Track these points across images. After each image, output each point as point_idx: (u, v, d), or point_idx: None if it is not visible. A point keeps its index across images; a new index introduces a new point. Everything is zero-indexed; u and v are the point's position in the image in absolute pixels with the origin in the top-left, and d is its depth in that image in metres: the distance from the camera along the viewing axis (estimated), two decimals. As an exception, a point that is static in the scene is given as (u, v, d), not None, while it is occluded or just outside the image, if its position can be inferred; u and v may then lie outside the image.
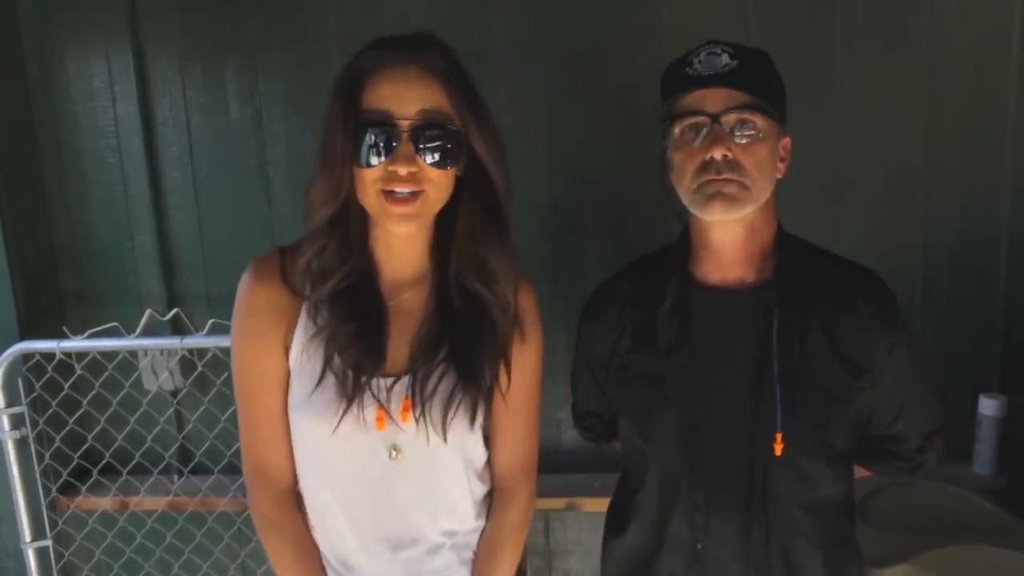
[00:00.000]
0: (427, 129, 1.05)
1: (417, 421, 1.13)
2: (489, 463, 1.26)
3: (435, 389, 1.13)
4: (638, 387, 1.27)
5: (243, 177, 2.09)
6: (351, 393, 1.10)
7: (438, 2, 1.97)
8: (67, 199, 2.14)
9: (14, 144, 2.07)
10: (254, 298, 1.16)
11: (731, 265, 1.23)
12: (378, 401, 1.12)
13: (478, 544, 1.26)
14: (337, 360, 1.11)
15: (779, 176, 1.21)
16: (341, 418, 1.10)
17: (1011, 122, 1.90)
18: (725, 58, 1.13)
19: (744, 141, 1.13)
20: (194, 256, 2.15)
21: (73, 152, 2.12)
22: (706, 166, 1.14)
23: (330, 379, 1.11)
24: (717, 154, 1.13)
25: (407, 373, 1.14)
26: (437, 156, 1.06)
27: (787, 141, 1.22)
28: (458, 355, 1.15)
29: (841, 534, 1.29)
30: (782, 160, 1.22)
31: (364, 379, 1.11)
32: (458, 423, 1.15)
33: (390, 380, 1.13)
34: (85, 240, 2.16)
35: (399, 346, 1.15)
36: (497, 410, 1.21)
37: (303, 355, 1.14)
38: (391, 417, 1.12)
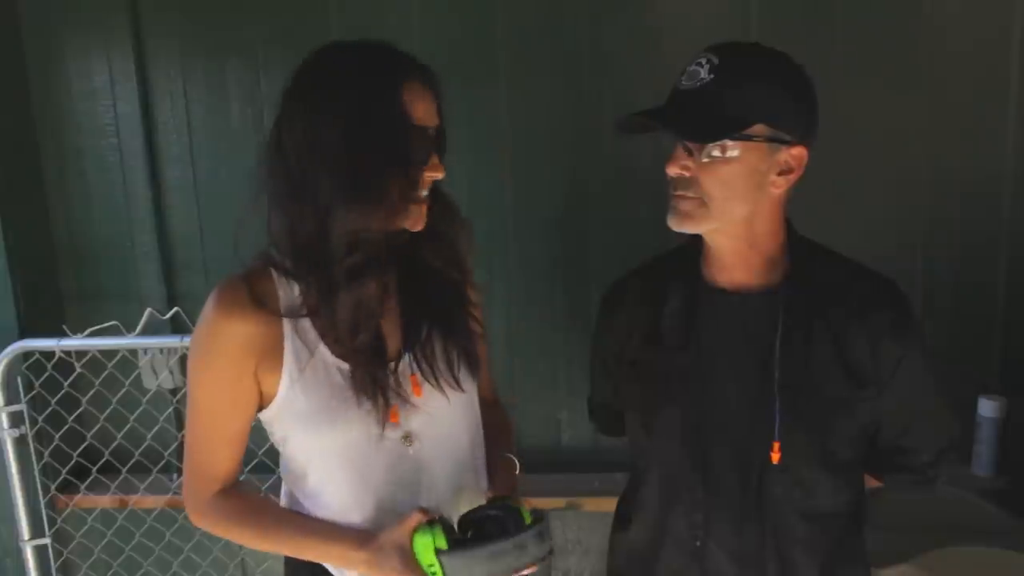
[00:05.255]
0: (442, 138, 1.15)
1: (431, 387, 1.18)
2: None
3: (433, 352, 1.20)
4: (644, 384, 1.27)
5: (244, 177, 2.07)
6: (378, 396, 1.13)
7: (440, 2, 1.97)
8: (67, 198, 2.14)
9: (15, 142, 2.07)
10: (221, 333, 1.12)
11: (732, 270, 1.22)
12: (397, 393, 1.16)
13: (492, 429, 1.34)
14: (358, 372, 1.13)
15: (776, 190, 1.14)
16: (384, 420, 1.14)
17: (1012, 123, 1.91)
18: (705, 71, 1.10)
19: (706, 160, 1.11)
20: (194, 255, 2.15)
21: (74, 151, 2.12)
22: (671, 178, 1.15)
23: (360, 393, 1.13)
24: (670, 172, 1.13)
25: (406, 351, 1.19)
26: (442, 159, 1.15)
27: (798, 151, 1.12)
28: (441, 319, 1.21)
29: (843, 542, 1.27)
30: (785, 172, 1.13)
31: (382, 378, 1.15)
32: (465, 374, 1.22)
33: (392, 365, 1.17)
34: (85, 239, 2.16)
35: (389, 332, 1.19)
36: None
37: (308, 374, 1.13)
38: (403, 400, 1.16)
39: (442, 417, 1.20)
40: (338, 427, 1.14)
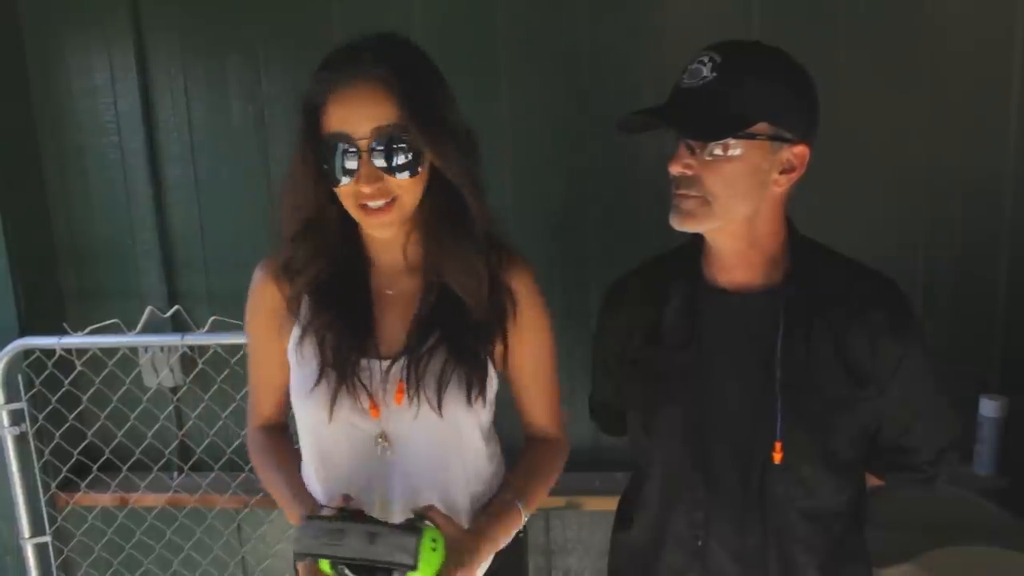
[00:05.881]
0: (384, 145, 1.08)
1: (411, 399, 1.18)
2: (523, 424, 1.36)
3: (427, 367, 1.19)
4: (645, 383, 1.28)
5: (244, 175, 2.09)
6: (341, 379, 1.17)
7: (441, 1, 1.97)
8: (68, 196, 2.15)
9: (15, 140, 2.08)
10: (254, 297, 1.29)
11: (733, 269, 1.22)
12: (367, 389, 1.17)
13: (516, 468, 1.32)
14: (328, 349, 1.18)
15: (778, 189, 1.14)
16: (333, 403, 1.17)
17: (1014, 123, 1.90)
18: (707, 69, 1.10)
19: (709, 158, 1.10)
20: (195, 253, 2.15)
21: (74, 149, 2.12)
22: (674, 176, 1.14)
23: (327, 368, 1.18)
24: (673, 171, 1.13)
25: (403, 355, 1.19)
26: (399, 167, 1.09)
27: (800, 150, 1.12)
28: (449, 335, 1.20)
29: (844, 542, 1.27)
30: (787, 171, 1.13)
31: (352, 362, 1.17)
32: (452, 399, 1.19)
33: (386, 363, 1.18)
34: (86, 237, 2.16)
35: (396, 331, 1.21)
36: (518, 385, 1.31)
37: (299, 347, 1.22)
38: (383, 402, 1.18)
39: (413, 431, 1.19)
40: (308, 403, 1.19)
